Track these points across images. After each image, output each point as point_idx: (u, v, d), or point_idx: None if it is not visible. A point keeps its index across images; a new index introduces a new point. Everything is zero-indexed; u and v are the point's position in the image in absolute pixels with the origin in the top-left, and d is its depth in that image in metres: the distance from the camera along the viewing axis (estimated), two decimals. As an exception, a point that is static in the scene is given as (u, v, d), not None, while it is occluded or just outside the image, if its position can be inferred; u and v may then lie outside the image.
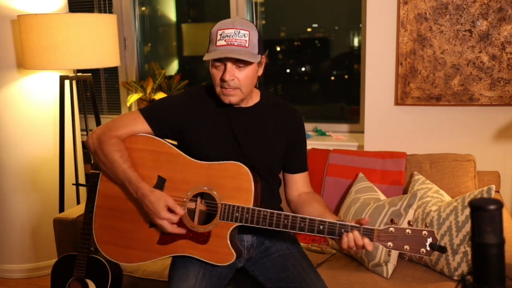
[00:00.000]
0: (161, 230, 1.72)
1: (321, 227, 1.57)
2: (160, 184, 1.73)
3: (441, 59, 2.64)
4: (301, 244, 1.97)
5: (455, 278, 2.03)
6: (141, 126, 1.77)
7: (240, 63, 1.64)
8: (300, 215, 1.61)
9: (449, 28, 2.60)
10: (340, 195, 2.53)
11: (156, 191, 1.67)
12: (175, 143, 1.84)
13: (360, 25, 3.19)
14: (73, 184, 3.07)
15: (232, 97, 1.68)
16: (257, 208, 1.63)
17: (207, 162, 1.70)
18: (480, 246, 0.92)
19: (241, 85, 1.66)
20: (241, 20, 1.68)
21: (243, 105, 1.78)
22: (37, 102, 3.05)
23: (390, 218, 1.62)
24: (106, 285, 2.16)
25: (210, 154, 1.72)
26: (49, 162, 3.11)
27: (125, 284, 2.25)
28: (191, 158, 1.72)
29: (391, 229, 1.52)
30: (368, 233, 1.54)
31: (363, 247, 1.53)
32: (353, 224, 1.56)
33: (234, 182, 1.66)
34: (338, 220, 1.58)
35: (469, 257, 1.97)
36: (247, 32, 1.64)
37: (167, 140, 1.81)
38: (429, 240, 1.48)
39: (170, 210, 1.65)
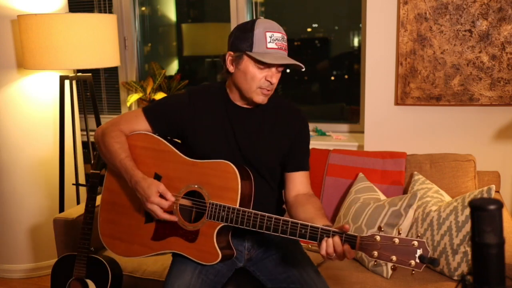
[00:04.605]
0: (155, 225, 1.75)
1: (303, 231, 1.51)
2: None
3: (441, 59, 2.64)
4: (302, 244, 1.97)
5: (455, 278, 2.03)
6: (143, 124, 1.82)
7: (280, 67, 1.68)
8: (283, 218, 1.55)
9: (449, 28, 2.60)
10: (340, 195, 2.53)
11: (149, 178, 1.69)
12: (179, 141, 1.86)
13: (360, 25, 3.19)
14: (73, 184, 3.07)
15: (266, 97, 1.72)
16: (242, 208, 1.61)
17: (200, 160, 1.72)
18: (480, 246, 0.92)
19: (274, 87, 1.71)
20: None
21: (248, 105, 1.78)
22: (37, 102, 3.05)
23: (378, 226, 1.54)
24: (106, 285, 2.16)
25: (210, 154, 1.72)
26: (49, 162, 3.11)
27: (125, 284, 2.24)
28: (185, 156, 1.74)
29: (376, 237, 1.41)
30: (350, 240, 1.44)
31: (344, 255, 1.45)
32: (335, 229, 1.47)
33: (222, 181, 1.66)
34: (325, 226, 1.50)
35: (469, 257, 1.97)
36: (286, 38, 1.70)
37: (169, 138, 1.83)
38: (419, 252, 1.36)
39: (162, 196, 1.66)
